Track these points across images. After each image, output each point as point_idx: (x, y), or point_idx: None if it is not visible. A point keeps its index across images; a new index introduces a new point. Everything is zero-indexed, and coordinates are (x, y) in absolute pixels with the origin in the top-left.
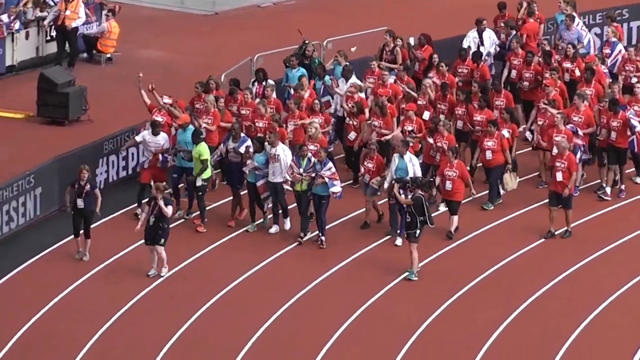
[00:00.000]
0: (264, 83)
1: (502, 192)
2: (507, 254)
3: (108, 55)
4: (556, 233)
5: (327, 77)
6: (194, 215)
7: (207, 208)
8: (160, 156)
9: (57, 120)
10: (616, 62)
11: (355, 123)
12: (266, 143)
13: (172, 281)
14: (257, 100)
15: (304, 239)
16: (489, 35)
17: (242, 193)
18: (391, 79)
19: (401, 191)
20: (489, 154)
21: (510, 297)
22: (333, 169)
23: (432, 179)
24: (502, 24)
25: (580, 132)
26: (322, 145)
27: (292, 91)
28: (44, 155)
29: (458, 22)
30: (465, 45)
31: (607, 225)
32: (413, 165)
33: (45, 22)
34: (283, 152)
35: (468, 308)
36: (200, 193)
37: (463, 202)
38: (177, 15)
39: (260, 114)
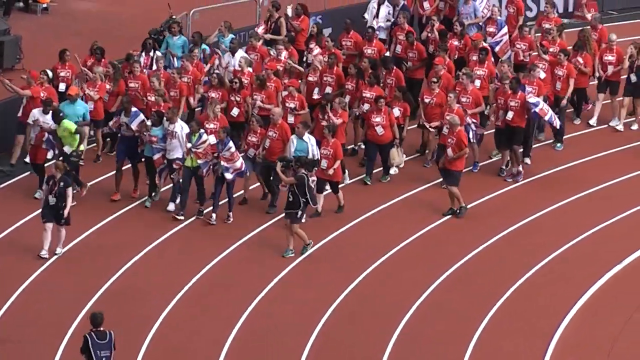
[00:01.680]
0: (151, 53)
1: (391, 170)
2: (406, 234)
3: (44, 5)
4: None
5: (204, 47)
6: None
7: (91, 183)
8: (45, 135)
9: None
10: (500, 43)
11: (238, 99)
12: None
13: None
14: (146, 71)
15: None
16: (387, 10)
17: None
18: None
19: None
20: (379, 130)
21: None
22: (233, 149)
23: (316, 159)
24: None
25: (469, 112)
26: (222, 124)
27: (173, 59)
28: None
29: None
30: (365, 15)
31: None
32: (312, 146)
33: None
34: (181, 129)
35: (373, 289)
36: (74, 159)
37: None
38: None
39: (154, 88)
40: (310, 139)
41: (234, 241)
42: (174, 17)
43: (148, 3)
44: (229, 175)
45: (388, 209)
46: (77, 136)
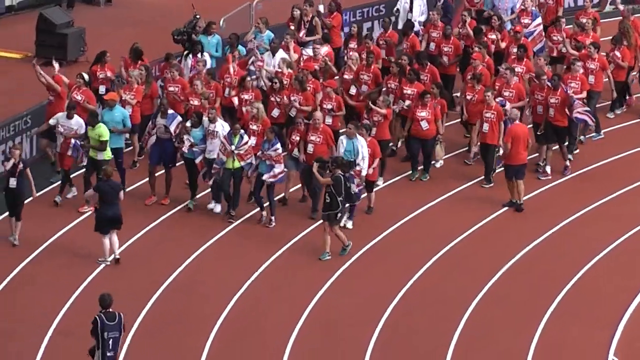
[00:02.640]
0: (199, 55)
1: (437, 163)
2: (462, 228)
3: None
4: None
5: (241, 48)
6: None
7: (130, 188)
8: (72, 141)
9: (55, 60)
10: (534, 33)
11: (278, 99)
12: (205, 118)
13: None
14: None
15: (234, 216)
16: (419, 3)
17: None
18: (324, 50)
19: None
20: (424, 124)
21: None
22: (279, 150)
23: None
24: None
25: (508, 105)
26: (266, 125)
27: (207, 57)
28: (41, 95)
29: None
30: (396, 9)
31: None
32: (361, 147)
33: None
34: (222, 128)
35: (435, 281)
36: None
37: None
38: None
39: (196, 92)
40: (360, 140)
41: (282, 244)
42: (197, 16)
43: None
44: (266, 177)
45: (438, 205)
46: (100, 145)
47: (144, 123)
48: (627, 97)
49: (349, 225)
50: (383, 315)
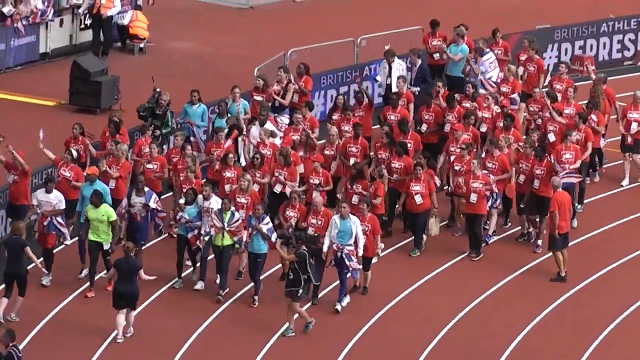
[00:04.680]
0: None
1: (424, 238)
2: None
3: (141, 45)
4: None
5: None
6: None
7: None
8: (47, 219)
9: (89, 108)
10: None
11: (258, 175)
12: (199, 196)
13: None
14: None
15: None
16: (400, 67)
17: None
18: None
19: (284, 247)
20: (419, 198)
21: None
22: (270, 224)
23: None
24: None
25: (494, 178)
26: (255, 199)
27: (194, 128)
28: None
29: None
30: (378, 78)
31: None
32: (356, 227)
33: (80, 10)
34: (217, 205)
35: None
36: (109, 258)
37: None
38: (212, 7)
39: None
40: (354, 220)
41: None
42: (157, 89)
43: (243, 44)
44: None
45: (440, 276)
46: (111, 228)
47: None
48: (599, 166)
49: (338, 307)
50: None
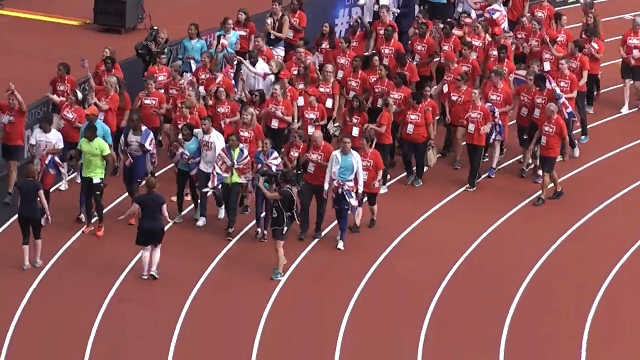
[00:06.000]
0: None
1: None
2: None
3: None
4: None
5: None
6: (93, 220)
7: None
8: (48, 157)
9: (113, 27)
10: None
11: (258, 112)
12: (199, 130)
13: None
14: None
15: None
16: None
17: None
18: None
19: (267, 184)
20: (411, 127)
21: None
22: (279, 159)
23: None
24: None
25: (497, 111)
26: (259, 134)
27: (192, 63)
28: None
29: None
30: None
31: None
32: (357, 163)
33: None
34: (217, 139)
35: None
36: (99, 192)
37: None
38: None
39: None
40: (355, 155)
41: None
42: (155, 27)
43: None
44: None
45: (448, 205)
46: (104, 162)
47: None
48: (596, 92)
49: (340, 246)
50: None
